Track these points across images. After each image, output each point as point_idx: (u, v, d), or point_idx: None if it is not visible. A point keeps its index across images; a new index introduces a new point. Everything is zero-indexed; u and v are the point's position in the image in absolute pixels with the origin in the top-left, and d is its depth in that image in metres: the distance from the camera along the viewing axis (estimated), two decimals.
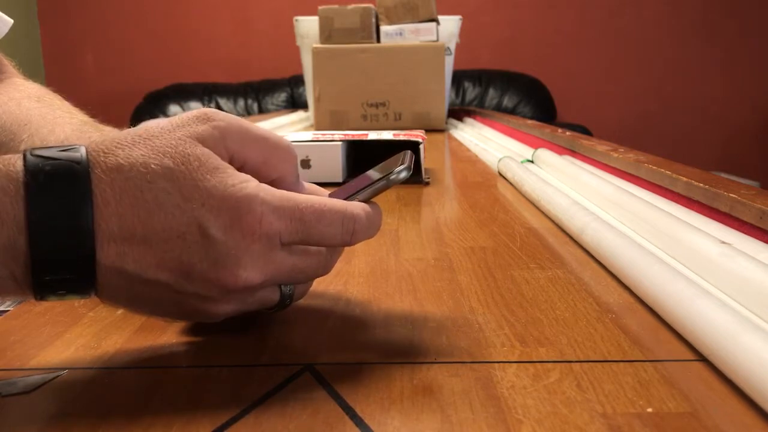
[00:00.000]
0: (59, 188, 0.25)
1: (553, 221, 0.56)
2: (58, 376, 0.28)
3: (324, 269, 0.32)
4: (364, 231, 0.31)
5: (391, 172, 0.32)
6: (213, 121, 0.29)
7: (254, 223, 0.27)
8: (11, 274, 0.25)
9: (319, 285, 0.40)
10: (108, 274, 0.26)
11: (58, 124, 0.51)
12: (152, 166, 0.26)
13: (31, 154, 0.26)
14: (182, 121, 0.29)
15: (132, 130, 0.28)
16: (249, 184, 0.28)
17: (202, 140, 0.28)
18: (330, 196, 0.35)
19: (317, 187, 0.37)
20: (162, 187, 0.26)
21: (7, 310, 0.37)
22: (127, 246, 0.26)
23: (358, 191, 0.32)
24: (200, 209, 0.26)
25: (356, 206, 0.31)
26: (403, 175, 0.32)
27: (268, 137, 0.31)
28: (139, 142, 0.27)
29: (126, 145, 0.27)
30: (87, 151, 0.27)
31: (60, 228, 0.25)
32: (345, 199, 0.32)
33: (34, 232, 0.25)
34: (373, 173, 0.34)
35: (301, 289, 0.33)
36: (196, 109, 0.30)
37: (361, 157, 0.85)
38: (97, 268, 0.26)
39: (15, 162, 0.26)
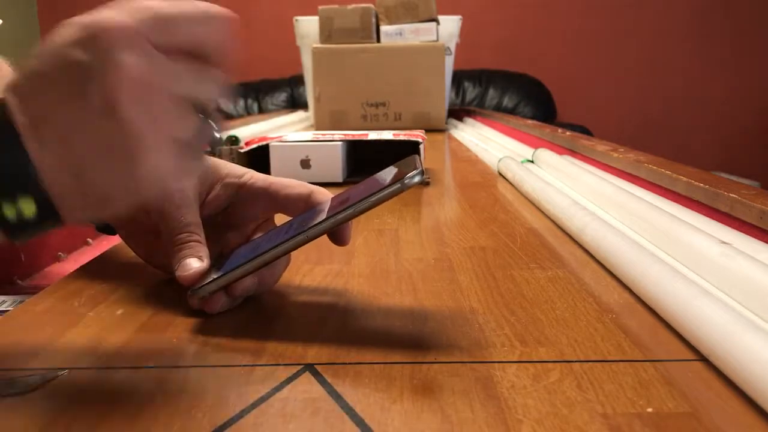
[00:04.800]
0: None
1: (553, 221, 0.56)
2: (58, 376, 0.28)
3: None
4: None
5: (404, 177, 0.31)
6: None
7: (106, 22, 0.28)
8: None
9: (319, 284, 0.40)
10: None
11: None
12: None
13: None
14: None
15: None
16: None
17: None
18: (334, 198, 0.35)
19: (323, 189, 0.38)
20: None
21: (8, 310, 0.37)
22: (41, 96, 0.28)
23: (369, 195, 0.32)
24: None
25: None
26: (417, 179, 0.31)
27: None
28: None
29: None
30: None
31: None
32: (355, 203, 0.32)
33: None
34: (382, 176, 0.34)
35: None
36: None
37: (361, 157, 0.85)
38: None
39: None
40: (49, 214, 0.28)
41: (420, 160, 0.34)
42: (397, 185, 0.31)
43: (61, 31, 0.29)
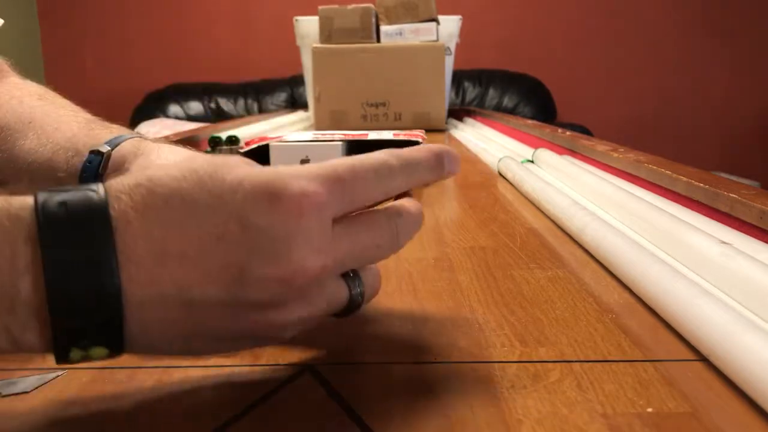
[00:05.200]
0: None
1: (553, 221, 0.56)
2: (58, 376, 0.28)
3: (392, 241, 0.28)
4: (402, 171, 0.27)
5: None
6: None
7: (297, 198, 0.23)
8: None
9: None
10: (142, 308, 0.22)
11: (63, 121, 0.51)
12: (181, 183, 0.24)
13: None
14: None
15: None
16: (276, 167, 0.25)
17: None
18: None
19: None
20: (188, 192, 0.23)
21: None
22: (161, 267, 0.22)
23: None
24: (234, 202, 0.23)
25: (389, 151, 0.28)
26: None
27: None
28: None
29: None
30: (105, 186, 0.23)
31: (77, 263, 0.21)
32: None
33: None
34: None
35: (371, 283, 0.28)
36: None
37: None
38: (125, 304, 0.22)
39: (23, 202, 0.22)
40: (117, 353, 0.23)
41: None
42: None
43: (224, 174, 0.23)
